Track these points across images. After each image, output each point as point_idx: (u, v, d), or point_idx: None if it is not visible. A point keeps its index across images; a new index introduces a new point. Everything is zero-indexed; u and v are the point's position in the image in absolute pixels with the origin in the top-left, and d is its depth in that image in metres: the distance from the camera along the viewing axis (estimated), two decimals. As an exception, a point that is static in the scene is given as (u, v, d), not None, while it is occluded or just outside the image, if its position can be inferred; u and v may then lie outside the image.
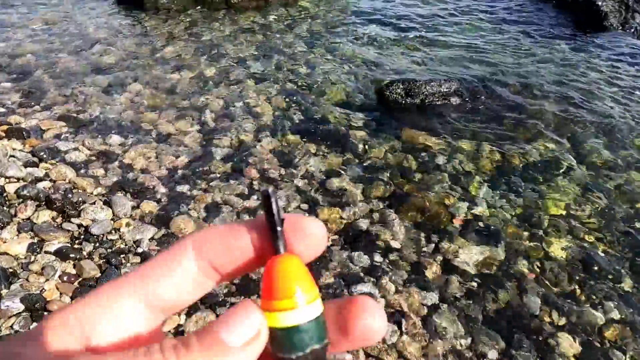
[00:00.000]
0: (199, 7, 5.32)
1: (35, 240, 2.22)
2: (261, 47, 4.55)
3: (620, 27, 5.47)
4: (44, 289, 2.01)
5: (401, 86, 3.75)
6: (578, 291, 2.26)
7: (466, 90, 3.93)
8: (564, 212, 2.73)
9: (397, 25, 5.31)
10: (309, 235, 0.30)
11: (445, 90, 3.86)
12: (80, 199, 2.48)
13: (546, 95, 3.96)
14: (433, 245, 2.45)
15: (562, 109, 3.75)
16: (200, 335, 0.27)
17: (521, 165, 3.11)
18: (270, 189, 0.31)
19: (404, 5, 5.93)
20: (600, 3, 5.64)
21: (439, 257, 2.38)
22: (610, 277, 2.35)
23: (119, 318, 0.28)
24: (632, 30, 5.44)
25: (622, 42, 5.16)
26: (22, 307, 1.91)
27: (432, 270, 2.31)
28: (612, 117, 3.68)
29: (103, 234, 2.32)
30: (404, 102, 3.73)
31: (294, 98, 3.70)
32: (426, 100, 3.76)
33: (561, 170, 3.07)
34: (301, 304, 0.29)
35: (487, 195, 2.82)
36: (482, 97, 3.91)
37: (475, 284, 2.25)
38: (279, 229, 0.30)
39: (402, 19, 5.51)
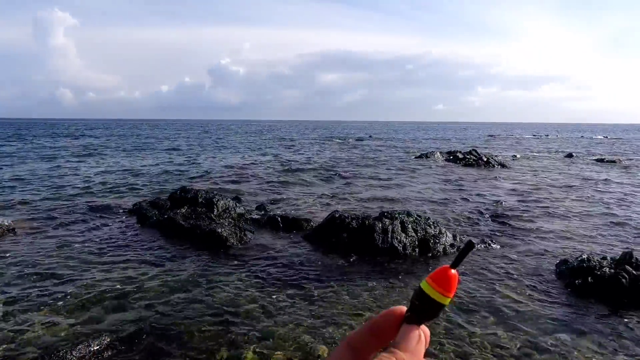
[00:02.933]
0: None
1: None
2: None
3: (239, 243, 7.19)
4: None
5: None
6: None
7: (120, 341, 4.03)
8: None
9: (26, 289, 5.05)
10: None
11: (96, 348, 3.83)
12: None
13: (196, 316, 4.56)
14: None
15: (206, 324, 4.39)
16: (397, 346, 0.57)
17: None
18: (475, 241, 0.76)
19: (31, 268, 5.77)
20: (220, 230, 7.31)
21: None
22: None
23: None
24: (247, 243, 7.24)
25: (243, 253, 6.73)
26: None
27: None
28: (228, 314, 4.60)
29: None
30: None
31: None
32: (77, 367, 3.59)
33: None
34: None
35: None
36: (141, 343, 4.09)
37: None
38: (461, 259, 0.59)
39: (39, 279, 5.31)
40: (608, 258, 5.88)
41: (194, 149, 29.47)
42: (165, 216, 8.25)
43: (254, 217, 8.94)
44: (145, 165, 19.05)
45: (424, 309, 0.59)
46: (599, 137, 57.76)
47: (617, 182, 15.13)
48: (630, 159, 24.34)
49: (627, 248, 6.79)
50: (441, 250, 6.86)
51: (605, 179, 15.84)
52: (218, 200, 9.02)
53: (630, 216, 9.62)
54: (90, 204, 10.21)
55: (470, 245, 0.58)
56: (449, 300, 0.58)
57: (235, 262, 6.36)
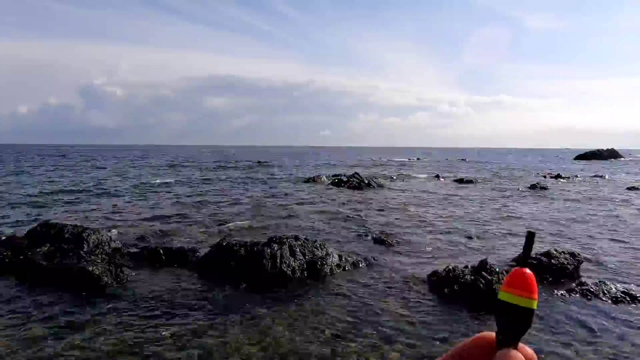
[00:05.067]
0: None
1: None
2: None
3: (115, 282, 6.52)
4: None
5: None
6: None
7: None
8: None
9: None
10: None
11: None
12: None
13: None
14: None
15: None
16: None
17: None
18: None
19: None
20: (91, 268, 6.56)
21: None
22: None
23: None
24: (124, 281, 6.60)
25: (119, 292, 6.11)
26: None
27: None
28: None
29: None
30: None
31: None
32: None
33: None
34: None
35: None
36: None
37: None
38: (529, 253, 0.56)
39: None
40: (469, 266, 6.69)
41: (61, 177, 26.16)
42: (22, 257, 7.13)
43: (132, 251, 8.22)
44: (-5, 199, 16.29)
45: (513, 323, 0.51)
46: (457, 159, 66.27)
47: (473, 199, 17.45)
48: (486, 179, 28.34)
49: (482, 255, 7.84)
50: (328, 271, 7.10)
51: (464, 196, 18.16)
52: (89, 234, 8.11)
53: (483, 228, 11.14)
54: None
55: (531, 236, 0.54)
56: (536, 302, 0.51)
57: (111, 304, 5.74)
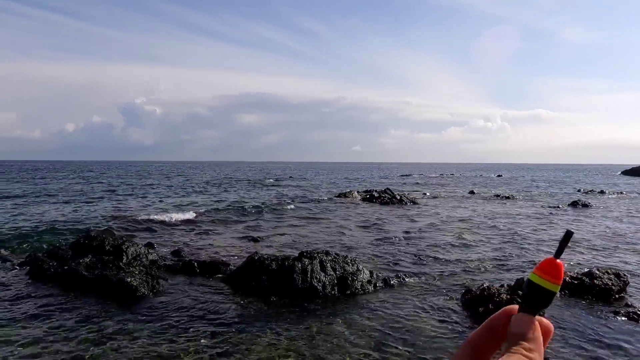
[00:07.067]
0: None
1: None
2: None
3: (151, 293, 6.73)
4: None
5: None
6: None
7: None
8: None
9: None
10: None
11: None
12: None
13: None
14: None
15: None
16: (516, 337, 0.61)
17: None
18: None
19: None
20: (129, 279, 6.80)
21: None
22: None
23: None
24: (160, 292, 6.80)
25: (155, 303, 6.29)
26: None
27: None
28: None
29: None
30: None
31: None
32: None
33: None
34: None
35: None
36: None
37: None
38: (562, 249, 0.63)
39: None
40: (505, 285, 6.47)
41: (102, 194, 27.38)
42: (66, 267, 7.48)
43: (168, 263, 8.46)
44: (40, 212, 17.23)
45: (536, 300, 0.61)
46: (493, 175, 64.41)
47: (510, 216, 16.89)
48: (524, 195, 27.42)
49: (518, 274, 7.56)
50: (359, 287, 7.04)
51: (501, 213, 17.61)
52: (128, 247, 8.43)
53: (521, 245, 10.76)
54: (-29, 258, 8.91)
55: (568, 234, 0.63)
56: (559, 287, 0.62)
57: (147, 314, 5.92)
